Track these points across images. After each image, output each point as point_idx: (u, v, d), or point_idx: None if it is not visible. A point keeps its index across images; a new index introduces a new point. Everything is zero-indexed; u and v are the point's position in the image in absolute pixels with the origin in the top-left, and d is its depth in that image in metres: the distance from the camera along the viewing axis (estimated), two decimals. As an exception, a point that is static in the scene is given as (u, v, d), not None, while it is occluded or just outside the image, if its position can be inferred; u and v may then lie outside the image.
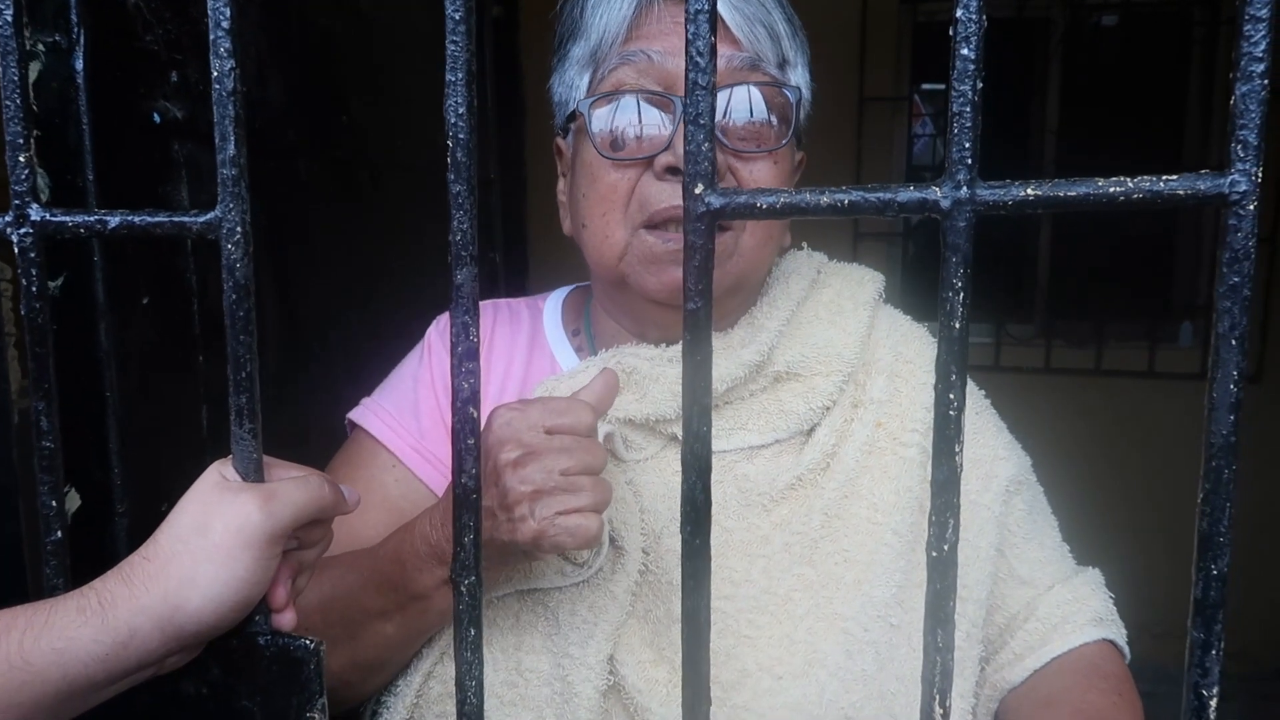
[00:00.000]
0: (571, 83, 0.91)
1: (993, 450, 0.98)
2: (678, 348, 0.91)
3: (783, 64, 0.89)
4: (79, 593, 0.52)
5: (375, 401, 0.99)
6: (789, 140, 0.89)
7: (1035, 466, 1.03)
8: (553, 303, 1.04)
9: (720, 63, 0.82)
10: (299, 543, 0.60)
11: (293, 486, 0.56)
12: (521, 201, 3.24)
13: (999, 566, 0.95)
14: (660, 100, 0.85)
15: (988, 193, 0.44)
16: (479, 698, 0.53)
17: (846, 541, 0.89)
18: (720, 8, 0.82)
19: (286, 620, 0.58)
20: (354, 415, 0.99)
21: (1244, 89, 0.43)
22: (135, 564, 0.54)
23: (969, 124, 0.44)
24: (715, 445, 0.91)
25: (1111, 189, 0.44)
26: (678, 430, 0.90)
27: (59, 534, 0.56)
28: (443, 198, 0.49)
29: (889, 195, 0.45)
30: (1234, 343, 0.44)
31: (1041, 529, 0.99)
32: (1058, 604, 0.95)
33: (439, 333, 0.98)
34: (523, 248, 3.61)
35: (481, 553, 0.52)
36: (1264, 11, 0.43)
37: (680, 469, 0.89)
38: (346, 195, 1.27)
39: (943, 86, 3.67)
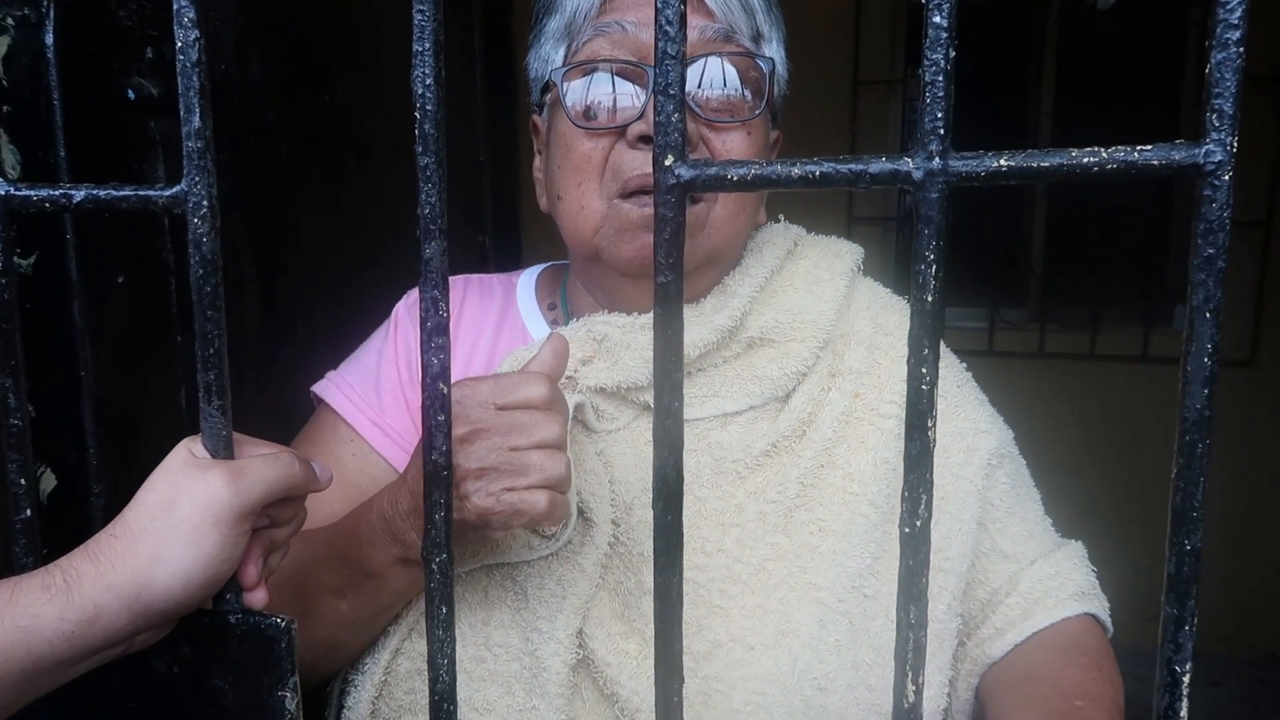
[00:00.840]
0: (547, 57, 0.91)
1: (975, 423, 0.97)
2: (648, 316, 0.90)
3: (757, 38, 0.89)
4: (44, 570, 0.52)
5: (339, 375, 0.99)
6: (762, 111, 0.89)
7: (1030, 450, 1.02)
8: (526, 277, 1.05)
9: (693, 34, 0.84)
10: (270, 520, 0.60)
11: (262, 463, 0.56)
12: (514, 184, 3.22)
13: (980, 540, 0.94)
14: (634, 71, 0.85)
15: (960, 164, 0.44)
16: (451, 675, 0.52)
17: (822, 511, 0.89)
18: None
19: (257, 599, 0.58)
20: (316, 388, 0.99)
21: (1219, 57, 0.42)
22: (102, 541, 0.53)
23: (941, 93, 0.43)
24: (688, 413, 0.90)
25: (1085, 159, 0.43)
26: (650, 398, 0.89)
27: (28, 512, 0.56)
28: None
29: (860, 166, 0.45)
30: (1208, 315, 0.43)
31: (1024, 503, 0.99)
32: (1039, 578, 0.95)
33: (406, 308, 0.98)
34: (515, 231, 3.60)
35: (452, 530, 0.51)
36: (1240, -22, 0.42)
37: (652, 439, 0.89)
38: (330, 175, 1.26)
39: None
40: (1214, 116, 0.42)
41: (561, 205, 0.89)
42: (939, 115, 0.43)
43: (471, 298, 1.01)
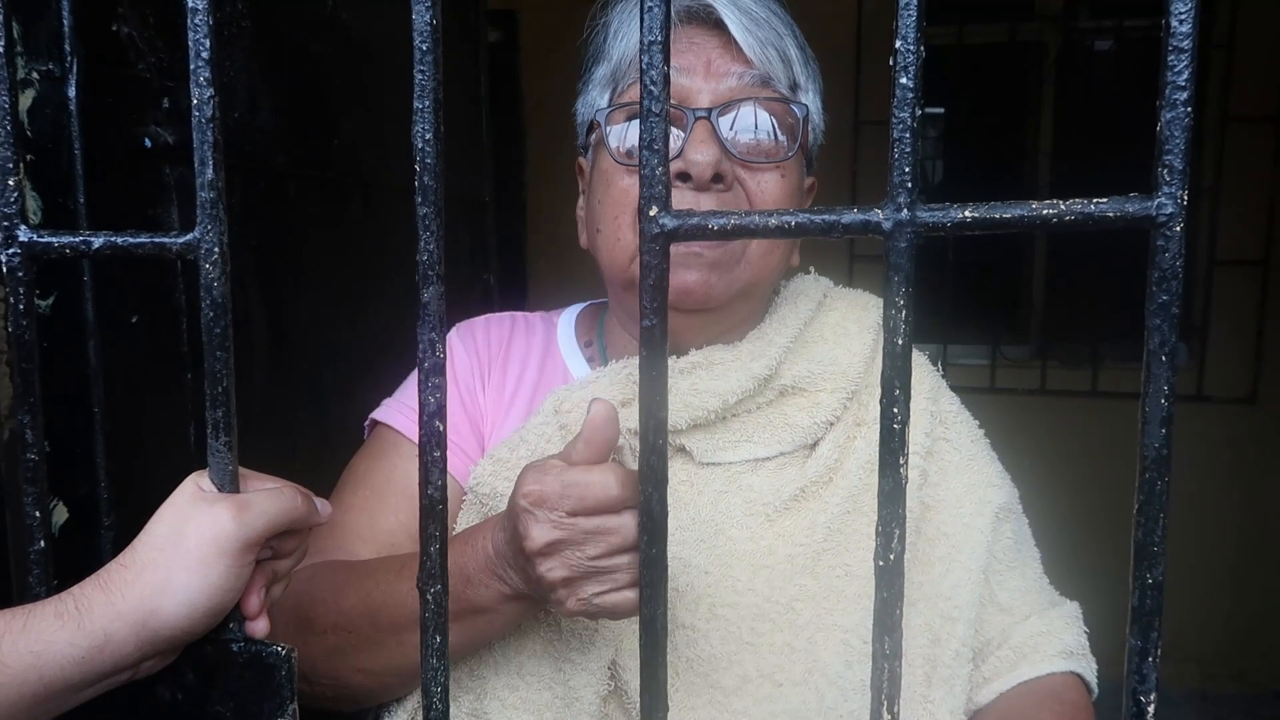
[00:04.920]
0: (593, 102, 0.96)
1: (987, 477, 1.00)
2: (687, 359, 0.93)
3: (794, 87, 0.93)
4: (57, 598, 0.54)
5: (397, 400, 1.02)
6: (795, 154, 0.92)
7: (1030, 487, 1.06)
8: (567, 316, 1.08)
9: (731, 80, 0.89)
10: (273, 552, 0.62)
11: (266, 497, 0.58)
12: (519, 223, 3.26)
13: (982, 591, 0.97)
14: (674, 114, 0.88)
15: (927, 215, 0.46)
16: (444, 704, 0.54)
17: (848, 556, 0.91)
18: (734, 30, 0.88)
19: (259, 628, 0.60)
20: (377, 414, 1.02)
21: (1169, 116, 0.45)
22: (112, 571, 0.56)
23: (909, 149, 0.46)
24: (721, 457, 0.93)
25: (1044, 211, 0.46)
26: (685, 442, 0.92)
27: (42, 543, 0.58)
28: None
29: (833, 217, 0.48)
30: (1164, 359, 0.46)
31: (1025, 559, 1.02)
32: (1031, 634, 0.98)
33: (459, 337, 1.02)
34: (521, 269, 3.64)
35: (446, 562, 0.54)
36: (1186, 44, 0.45)
37: (689, 480, 0.91)
38: (337, 215, 1.29)
39: (940, 110, 3.71)
40: (1165, 172, 0.44)
41: (600, 238, 0.93)
42: (906, 170, 0.46)
43: (518, 334, 1.05)
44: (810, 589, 0.90)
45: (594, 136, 0.96)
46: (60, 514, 0.78)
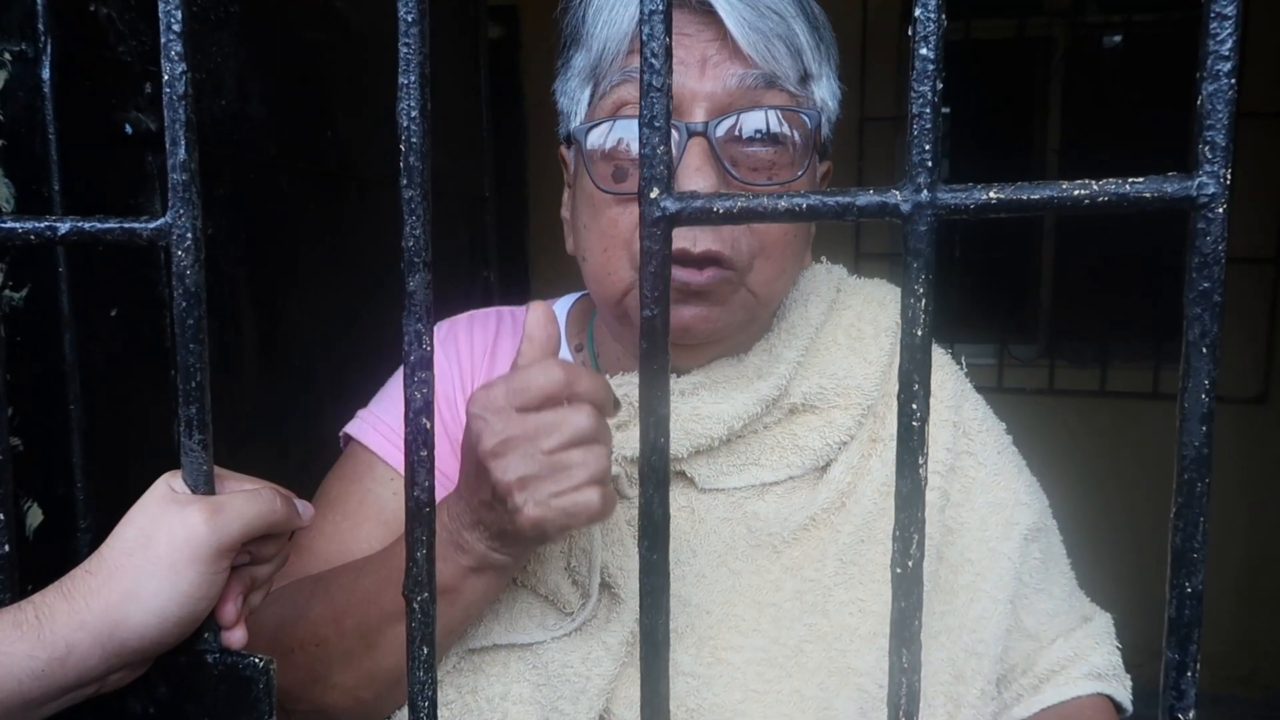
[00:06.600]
0: (573, 94, 0.86)
1: (1015, 494, 0.92)
2: (689, 379, 0.86)
3: (805, 78, 0.82)
4: (16, 607, 0.51)
5: (371, 414, 0.95)
6: (805, 172, 0.82)
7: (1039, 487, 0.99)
8: (558, 310, 0.99)
9: (732, 82, 0.77)
10: (251, 558, 0.59)
11: (242, 500, 0.55)
12: (521, 220, 3.24)
13: (1010, 621, 0.90)
14: None
15: (949, 196, 0.43)
16: (433, 718, 0.51)
17: (862, 590, 0.84)
18: (730, 25, 0.76)
19: (236, 638, 0.56)
20: (350, 429, 0.95)
21: (1210, 88, 0.42)
22: (77, 578, 0.53)
23: (929, 125, 0.43)
24: (725, 483, 0.87)
25: (1076, 191, 0.42)
26: (686, 469, 0.86)
27: (7, 547, 0.55)
28: (436, 211, 0.48)
29: (848, 199, 0.44)
30: (1205, 350, 0.42)
31: (1053, 578, 0.94)
32: (1056, 659, 0.91)
33: (439, 341, 0.95)
34: (523, 266, 3.61)
35: (434, 569, 0.51)
36: (1230, 9, 0.42)
37: (688, 508, 0.86)
38: (332, 210, 1.26)
39: (947, 110, 3.67)
40: (1206, 149, 0.41)
41: (588, 266, 0.85)
42: (926, 147, 0.43)
43: (504, 333, 0.97)
44: (821, 629, 0.83)
45: (575, 146, 0.85)
46: (35, 516, 0.75)
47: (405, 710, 0.84)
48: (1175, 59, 3.34)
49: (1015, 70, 3.54)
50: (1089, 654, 0.93)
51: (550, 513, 0.68)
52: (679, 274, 0.77)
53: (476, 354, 0.95)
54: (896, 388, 0.99)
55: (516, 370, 0.71)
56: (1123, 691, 0.94)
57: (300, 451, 0.98)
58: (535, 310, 0.73)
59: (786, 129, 0.79)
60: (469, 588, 0.76)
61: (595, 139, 0.80)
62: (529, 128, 3.50)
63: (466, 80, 1.90)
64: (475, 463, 0.70)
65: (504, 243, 2.26)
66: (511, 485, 0.68)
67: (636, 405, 0.85)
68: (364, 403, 0.97)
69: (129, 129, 0.82)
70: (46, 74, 0.71)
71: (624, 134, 0.79)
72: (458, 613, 0.78)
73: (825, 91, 0.84)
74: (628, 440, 0.84)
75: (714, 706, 0.81)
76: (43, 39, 0.71)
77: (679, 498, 0.86)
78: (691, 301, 0.79)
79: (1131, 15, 3.27)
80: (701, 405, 0.85)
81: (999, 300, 3.54)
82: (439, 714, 0.82)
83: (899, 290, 0.97)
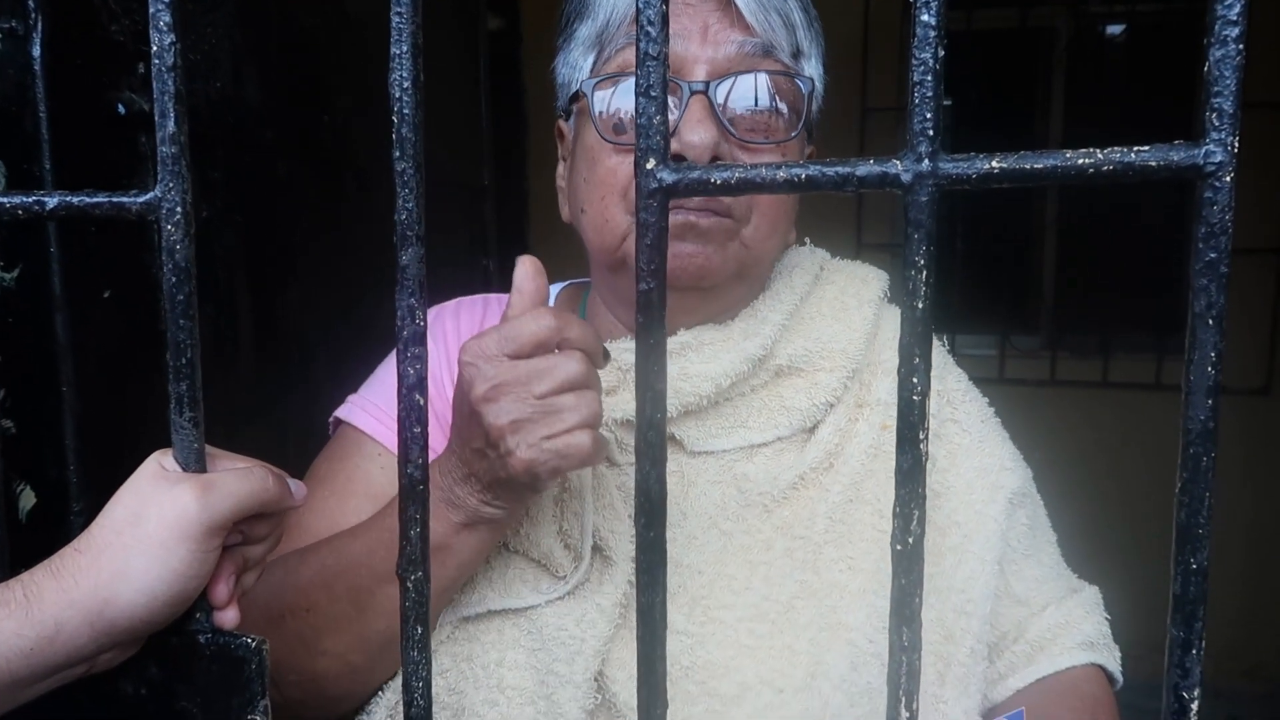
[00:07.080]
0: (576, 63, 0.90)
1: (999, 460, 0.95)
2: (677, 339, 0.88)
3: (796, 54, 0.87)
4: (4, 585, 0.50)
5: (360, 397, 0.97)
6: (799, 133, 0.87)
7: (1040, 480, 1.00)
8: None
9: (730, 48, 0.82)
10: (243, 537, 0.58)
11: (233, 478, 0.54)
12: (521, 209, 3.23)
13: (998, 583, 0.92)
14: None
15: (950, 166, 0.42)
16: (426, 699, 0.50)
17: (851, 549, 0.86)
18: None
19: (229, 618, 0.56)
20: (340, 413, 0.97)
21: (1218, 54, 0.41)
22: (66, 556, 0.52)
23: (930, 93, 0.42)
24: (714, 445, 0.88)
25: (1080, 160, 0.41)
26: (676, 430, 0.88)
27: (-2, 528, 0.54)
28: (433, 200, 0.47)
29: (848, 169, 0.43)
30: (1210, 323, 0.41)
31: (1040, 545, 0.97)
32: (1047, 626, 0.93)
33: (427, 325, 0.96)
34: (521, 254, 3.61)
35: (428, 548, 0.50)
36: (1238, -28, 0.41)
37: (678, 472, 0.86)
38: (330, 196, 1.26)
39: (948, 102, 3.66)
40: (1214, 115, 0.40)
41: (585, 218, 0.88)
42: (928, 116, 0.42)
43: (491, 319, 0.99)
44: (812, 585, 0.85)
45: (577, 105, 0.90)
46: (28, 499, 0.74)
47: (397, 686, 0.84)
48: (1179, 49, 3.33)
49: (1018, 61, 3.52)
50: (1080, 623, 0.94)
51: (542, 454, 0.69)
52: (682, 215, 0.81)
53: (464, 338, 0.96)
54: (881, 356, 0.99)
55: (507, 320, 0.73)
56: (1113, 662, 0.95)
57: (297, 437, 0.98)
58: (524, 264, 0.76)
59: (781, 94, 0.85)
60: (461, 544, 0.77)
61: (600, 96, 0.84)
62: (529, 120, 3.49)
63: (466, 71, 1.89)
64: (468, 410, 0.72)
65: (504, 233, 2.26)
66: (504, 429, 0.70)
67: (625, 369, 0.86)
68: (358, 389, 0.98)
69: (122, 109, 0.81)
70: (37, 51, 0.70)
71: (628, 93, 0.83)
72: (450, 572, 0.79)
73: (813, 71, 0.89)
74: (617, 404, 0.86)
75: (707, 663, 0.82)
76: (33, 16, 0.70)
77: (670, 462, 0.86)
78: (689, 238, 0.82)
79: (1135, 5, 3.25)
80: (689, 365, 0.87)
81: (1001, 291, 3.53)
82: (435, 684, 0.83)
83: (882, 271, 0.99)
